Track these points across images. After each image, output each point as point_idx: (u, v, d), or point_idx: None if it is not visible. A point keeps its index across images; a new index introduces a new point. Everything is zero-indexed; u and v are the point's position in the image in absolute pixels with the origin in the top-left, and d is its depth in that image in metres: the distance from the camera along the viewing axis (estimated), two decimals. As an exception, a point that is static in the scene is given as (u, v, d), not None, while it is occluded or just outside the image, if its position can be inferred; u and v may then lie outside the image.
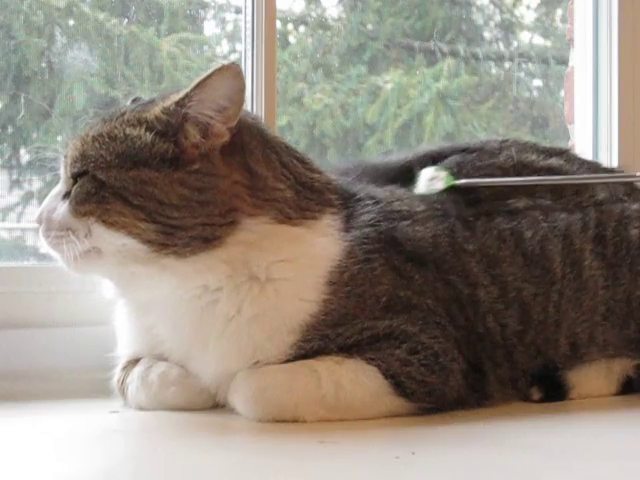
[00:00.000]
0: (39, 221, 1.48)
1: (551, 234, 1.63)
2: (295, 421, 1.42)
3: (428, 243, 1.54)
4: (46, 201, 1.49)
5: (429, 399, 1.47)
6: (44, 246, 1.49)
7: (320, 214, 1.50)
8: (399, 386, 1.45)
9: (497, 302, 1.57)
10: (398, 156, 1.74)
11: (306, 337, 1.45)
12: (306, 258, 1.47)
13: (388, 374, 1.44)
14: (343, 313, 1.46)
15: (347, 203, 1.54)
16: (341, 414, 1.43)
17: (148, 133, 1.45)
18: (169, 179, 1.43)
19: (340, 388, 1.43)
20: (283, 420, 1.42)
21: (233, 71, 1.43)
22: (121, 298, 1.56)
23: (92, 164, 1.45)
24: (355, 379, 1.43)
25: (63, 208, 1.46)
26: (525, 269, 1.60)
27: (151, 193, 1.42)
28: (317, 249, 1.47)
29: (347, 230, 1.50)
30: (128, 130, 1.46)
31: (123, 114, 1.49)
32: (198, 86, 1.44)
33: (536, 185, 1.68)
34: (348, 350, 1.45)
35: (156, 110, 1.47)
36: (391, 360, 1.45)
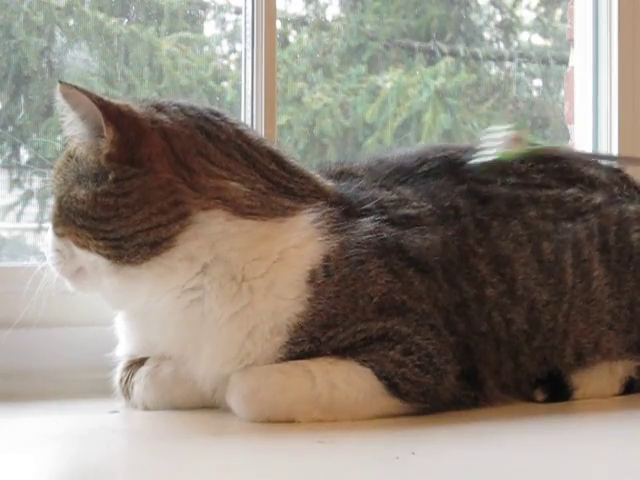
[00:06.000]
0: (45, 245, 1.53)
1: (563, 245, 1.63)
2: (289, 422, 1.42)
3: (437, 251, 1.53)
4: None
5: (423, 399, 1.46)
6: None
7: (293, 212, 1.48)
8: (393, 387, 1.44)
9: (504, 297, 1.56)
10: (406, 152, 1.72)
11: (295, 339, 1.44)
12: (276, 255, 1.46)
13: (382, 375, 1.44)
14: (333, 314, 1.45)
15: (343, 206, 1.52)
16: (335, 415, 1.43)
17: (80, 149, 1.48)
18: (93, 194, 1.44)
19: (334, 388, 1.42)
20: (277, 421, 1.42)
21: (63, 91, 1.44)
22: (115, 309, 1.59)
23: (55, 184, 1.50)
24: (349, 379, 1.43)
25: (50, 229, 1.51)
26: (540, 275, 1.59)
27: (85, 211, 1.44)
28: (288, 246, 1.46)
29: (339, 231, 1.48)
30: (75, 147, 1.49)
31: None
32: (70, 111, 1.46)
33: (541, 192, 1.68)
34: (341, 353, 1.44)
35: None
36: (385, 361, 1.44)
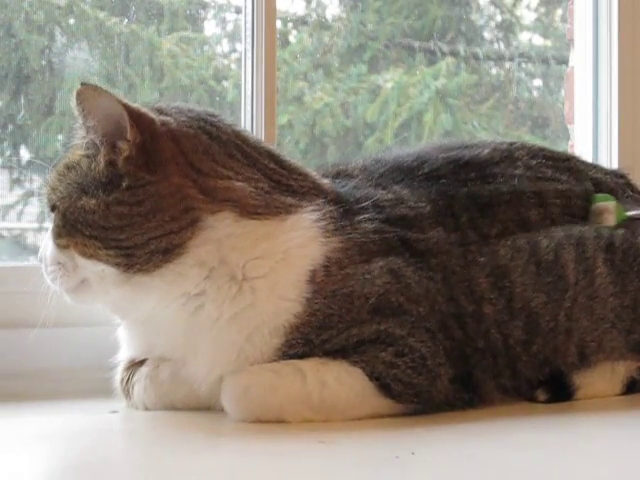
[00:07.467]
0: (40, 260, 1.51)
1: (565, 241, 1.63)
2: (280, 421, 1.41)
3: (439, 249, 1.53)
4: (44, 239, 1.52)
5: (417, 400, 1.46)
6: (48, 283, 1.51)
7: (295, 209, 1.48)
8: (385, 387, 1.44)
9: (502, 313, 1.55)
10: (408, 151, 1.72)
11: (290, 341, 1.43)
12: (280, 254, 1.45)
13: (373, 376, 1.43)
14: (329, 314, 1.44)
15: (342, 204, 1.52)
16: (326, 414, 1.42)
17: (85, 159, 1.46)
18: (105, 203, 1.43)
19: (325, 387, 1.42)
20: (267, 420, 1.41)
21: (83, 93, 1.42)
22: (121, 319, 1.58)
23: (55, 196, 1.48)
24: (340, 378, 1.42)
25: (50, 243, 1.49)
26: (537, 278, 1.58)
27: (96, 221, 1.43)
28: (292, 245, 1.46)
29: (340, 231, 1.48)
30: (79, 158, 1.47)
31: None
32: (82, 117, 1.44)
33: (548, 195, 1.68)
34: (333, 354, 1.44)
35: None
36: (376, 362, 1.43)
